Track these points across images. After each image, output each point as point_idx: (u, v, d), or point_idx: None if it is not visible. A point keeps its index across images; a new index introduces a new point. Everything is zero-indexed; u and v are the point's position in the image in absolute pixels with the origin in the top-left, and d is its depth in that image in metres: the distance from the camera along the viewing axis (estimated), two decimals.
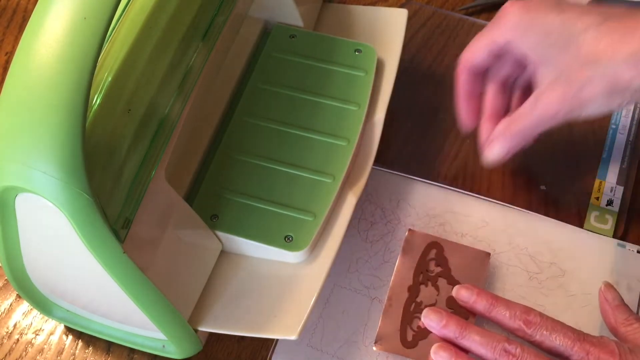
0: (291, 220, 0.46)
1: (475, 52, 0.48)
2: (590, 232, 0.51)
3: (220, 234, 0.46)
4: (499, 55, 0.47)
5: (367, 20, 0.58)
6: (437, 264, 0.49)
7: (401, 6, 0.61)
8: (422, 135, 0.57)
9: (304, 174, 0.48)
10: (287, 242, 0.46)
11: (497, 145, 0.46)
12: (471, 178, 0.55)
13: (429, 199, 0.52)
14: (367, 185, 0.50)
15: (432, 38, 0.64)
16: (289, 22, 0.56)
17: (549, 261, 0.50)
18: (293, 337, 0.43)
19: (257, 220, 0.46)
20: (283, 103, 0.51)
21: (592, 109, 0.42)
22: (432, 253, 0.49)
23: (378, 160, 0.51)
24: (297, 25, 0.56)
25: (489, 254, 0.49)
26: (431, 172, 0.55)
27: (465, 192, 0.53)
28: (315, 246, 0.46)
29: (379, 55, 0.54)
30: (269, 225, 0.46)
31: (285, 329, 0.43)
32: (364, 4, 0.65)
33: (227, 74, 0.52)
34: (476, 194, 0.53)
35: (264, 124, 0.50)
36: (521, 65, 0.47)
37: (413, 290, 0.48)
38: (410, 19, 0.60)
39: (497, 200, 0.53)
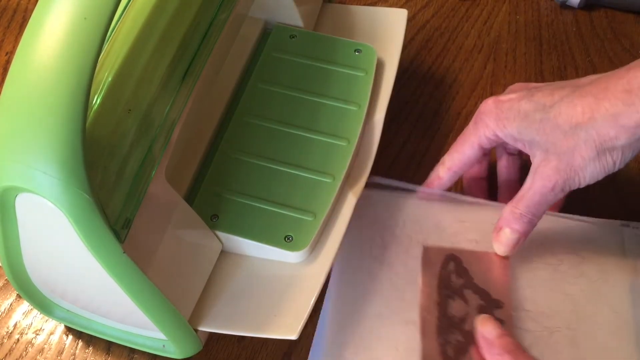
0: (291, 220, 0.46)
1: (466, 156, 0.49)
2: (594, 218, 0.51)
3: (220, 234, 0.46)
4: (486, 152, 0.49)
5: (367, 20, 0.58)
6: (458, 276, 0.47)
7: None
8: (422, 136, 0.57)
9: (304, 174, 0.48)
10: (287, 242, 0.46)
11: (507, 231, 0.46)
12: None
13: (434, 213, 0.51)
14: (369, 211, 0.49)
15: (432, 40, 0.64)
16: (289, 22, 0.56)
17: (566, 252, 0.49)
18: (293, 337, 0.43)
19: (257, 220, 0.46)
20: (283, 103, 0.51)
21: (589, 173, 0.43)
22: (451, 265, 0.48)
23: (377, 164, 0.51)
24: (297, 25, 0.56)
25: (507, 256, 0.48)
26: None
27: (469, 199, 0.52)
28: (315, 246, 0.46)
29: (379, 55, 0.54)
30: (269, 225, 0.46)
31: (285, 329, 0.43)
32: (364, 4, 0.65)
33: (227, 74, 0.52)
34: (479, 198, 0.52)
35: (264, 124, 0.50)
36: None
37: (442, 306, 0.46)
38: (410, 20, 0.60)
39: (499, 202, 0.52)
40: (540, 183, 0.44)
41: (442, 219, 0.51)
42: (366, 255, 0.49)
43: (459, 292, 0.47)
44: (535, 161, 0.45)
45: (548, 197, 0.45)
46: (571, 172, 0.44)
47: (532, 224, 0.46)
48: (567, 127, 0.43)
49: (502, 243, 0.47)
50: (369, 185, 0.50)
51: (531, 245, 0.49)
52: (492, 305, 0.46)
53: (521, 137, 0.46)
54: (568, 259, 0.49)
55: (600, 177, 0.44)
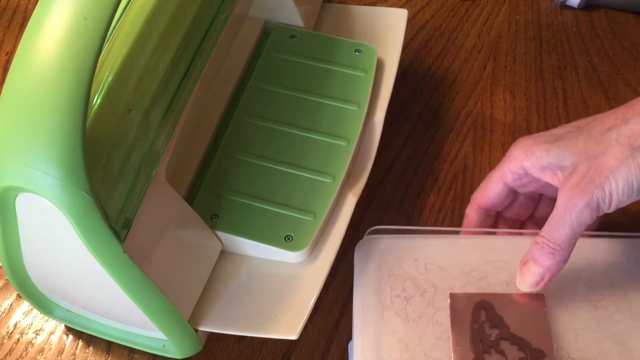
0: (291, 220, 0.46)
1: (490, 190, 0.46)
2: (628, 233, 0.47)
3: (220, 233, 0.46)
4: (514, 190, 0.46)
5: (367, 20, 0.58)
6: (492, 326, 0.43)
7: None
8: (422, 136, 0.57)
9: (304, 174, 0.48)
10: (287, 241, 0.46)
11: (529, 265, 0.42)
12: (470, 178, 0.55)
13: (457, 253, 0.46)
14: (387, 258, 0.46)
15: (432, 40, 0.64)
16: (289, 22, 0.56)
17: (607, 283, 0.44)
18: (293, 337, 0.43)
19: (257, 220, 0.46)
20: (283, 103, 0.51)
21: (622, 178, 0.38)
22: (483, 315, 0.43)
23: (377, 164, 0.51)
24: (297, 25, 0.56)
25: (542, 296, 0.44)
26: (430, 174, 0.55)
27: (491, 232, 0.48)
28: (315, 246, 0.46)
29: (379, 55, 0.54)
30: (269, 225, 0.46)
31: (285, 329, 0.43)
32: (364, 4, 0.65)
33: (227, 74, 0.52)
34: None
35: (264, 124, 0.50)
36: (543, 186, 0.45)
37: None
38: (410, 20, 0.60)
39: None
40: (565, 200, 0.39)
41: (467, 261, 0.46)
42: (387, 309, 0.44)
43: (495, 346, 0.42)
44: (562, 179, 0.41)
45: (572, 215, 0.39)
46: (600, 178, 0.39)
47: (555, 256, 0.41)
48: (599, 133, 0.40)
49: (523, 279, 0.42)
50: (382, 231, 0.47)
51: (566, 280, 0.45)
52: (533, 357, 0.42)
53: (549, 161, 0.41)
54: (609, 294, 0.44)
55: (635, 185, 0.39)
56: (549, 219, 0.41)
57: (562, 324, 0.43)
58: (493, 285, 0.45)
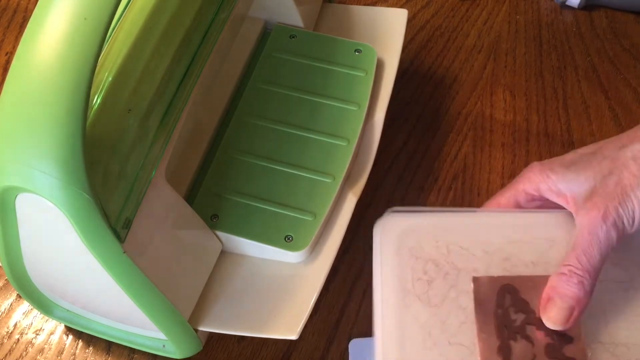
0: (291, 220, 0.46)
1: (500, 207, 0.45)
2: None
3: (220, 234, 0.46)
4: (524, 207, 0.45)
5: (367, 20, 0.58)
6: (517, 311, 0.41)
7: None
8: (422, 136, 0.57)
9: (304, 174, 0.48)
10: (287, 241, 0.46)
11: (555, 300, 0.39)
12: (470, 178, 0.55)
13: (479, 232, 0.44)
14: (408, 238, 0.43)
15: (432, 40, 0.64)
16: (289, 22, 0.56)
17: (636, 264, 0.42)
18: (293, 337, 0.43)
19: (257, 220, 0.46)
20: (283, 103, 0.51)
21: None
22: (508, 299, 0.41)
23: (377, 164, 0.51)
24: (297, 25, 0.56)
25: None
26: (430, 174, 0.55)
27: (512, 211, 0.45)
28: (315, 246, 0.46)
29: (379, 55, 0.54)
30: (269, 225, 0.46)
31: (285, 329, 0.43)
32: (364, 4, 0.65)
33: (227, 74, 0.52)
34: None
35: (264, 124, 0.50)
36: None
37: (504, 352, 0.39)
38: (410, 20, 0.60)
39: None
40: (588, 223, 0.38)
41: (490, 241, 0.44)
42: (408, 293, 0.42)
43: (521, 332, 0.40)
44: (580, 202, 0.40)
45: (600, 237, 0.38)
46: (622, 194, 0.38)
47: (584, 285, 0.38)
48: (613, 152, 0.40)
49: (549, 316, 0.39)
50: (401, 210, 0.45)
51: None
52: (561, 342, 0.40)
53: (566, 185, 0.41)
54: None
55: None
56: (573, 247, 0.39)
57: (590, 307, 0.41)
58: (517, 266, 0.42)
